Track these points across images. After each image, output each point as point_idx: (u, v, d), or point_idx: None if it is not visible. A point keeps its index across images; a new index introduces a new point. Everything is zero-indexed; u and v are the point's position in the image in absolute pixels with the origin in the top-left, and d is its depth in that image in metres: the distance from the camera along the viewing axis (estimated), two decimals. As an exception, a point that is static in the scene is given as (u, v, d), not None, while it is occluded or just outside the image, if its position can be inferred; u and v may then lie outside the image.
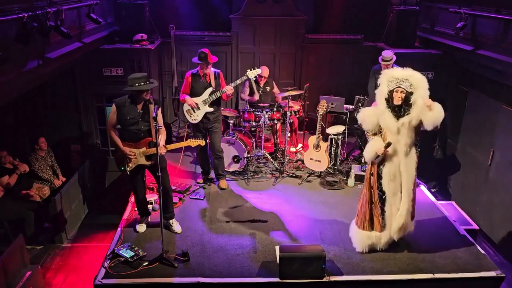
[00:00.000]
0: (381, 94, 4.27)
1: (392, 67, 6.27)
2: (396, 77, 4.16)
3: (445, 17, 7.20)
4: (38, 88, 6.11)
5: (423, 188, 6.19)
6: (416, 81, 4.12)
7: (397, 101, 4.13)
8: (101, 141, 7.70)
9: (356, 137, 6.85)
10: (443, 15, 7.35)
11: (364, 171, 6.15)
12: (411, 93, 4.12)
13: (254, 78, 6.21)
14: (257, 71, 5.82)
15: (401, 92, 4.11)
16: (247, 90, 6.84)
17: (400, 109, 4.17)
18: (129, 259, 4.31)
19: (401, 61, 7.05)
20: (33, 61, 4.69)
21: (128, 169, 4.63)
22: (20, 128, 6.93)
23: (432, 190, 7.54)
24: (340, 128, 6.52)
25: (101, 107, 7.49)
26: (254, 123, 6.46)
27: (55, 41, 5.12)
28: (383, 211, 4.43)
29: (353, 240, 4.66)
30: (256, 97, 6.75)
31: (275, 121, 6.50)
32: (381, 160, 4.31)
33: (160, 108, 4.66)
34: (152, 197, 5.39)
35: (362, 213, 4.54)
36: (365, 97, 6.73)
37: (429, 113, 4.09)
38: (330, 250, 4.57)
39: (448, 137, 7.88)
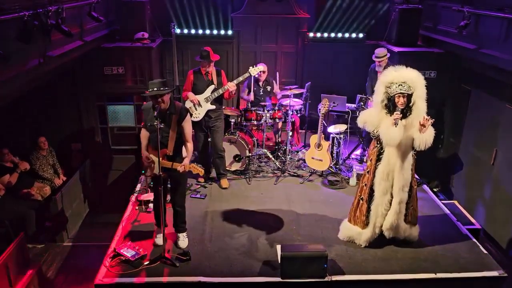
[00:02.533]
0: (379, 100, 4.26)
1: (388, 63, 6.27)
2: (394, 82, 4.14)
3: (448, 16, 7.16)
4: (39, 87, 6.09)
5: (425, 187, 6.17)
6: (413, 82, 4.12)
7: (401, 105, 4.13)
8: (102, 140, 7.69)
9: (358, 136, 6.83)
10: (446, 13, 7.31)
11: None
12: (411, 94, 4.13)
13: (256, 76, 6.18)
14: (259, 68, 5.82)
15: (403, 97, 4.11)
16: (247, 89, 6.81)
17: (402, 111, 4.16)
18: (130, 258, 4.29)
19: (403, 60, 7.05)
20: (34, 59, 4.68)
21: (147, 174, 4.53)
22: (21, 126, 6.92)
23: (435, 190, 7.52)
24: (342, 127, 6.51)
25: (102, 106, 7.48)
26: (255, 122, 6.44)
27: (56, 39, 5.10)
28: (369, 210, 4.52)
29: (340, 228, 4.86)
30: (251, 97, 6.72)
31: (277, 120, 6.48)
32: (378, 158, 4.37)
33: (187, 116, 4.33)
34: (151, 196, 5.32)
35: (352, 206, 4.72)
36: (367, 96, 6.71)
37: (421, 134, 4.09)
38: (331, 249, 4.55)
39: (451, 136, 7.85)
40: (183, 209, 4.64)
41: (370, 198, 4.50)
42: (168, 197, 4.79)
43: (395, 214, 4.39)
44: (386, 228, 4.48)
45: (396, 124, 4.07)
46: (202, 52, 5.49)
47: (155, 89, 4.10)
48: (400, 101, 4.12)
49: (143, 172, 4.56)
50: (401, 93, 4.09)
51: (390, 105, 4.20)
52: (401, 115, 4.12)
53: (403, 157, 4.26)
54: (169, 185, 4.59)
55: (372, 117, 4.32)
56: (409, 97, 4.12)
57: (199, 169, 4.38)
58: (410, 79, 4.11)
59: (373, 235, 4.58)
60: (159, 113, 4.12)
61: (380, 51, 6.27)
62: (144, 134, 4.46)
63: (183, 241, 4.66)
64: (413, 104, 4.15)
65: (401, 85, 4.09)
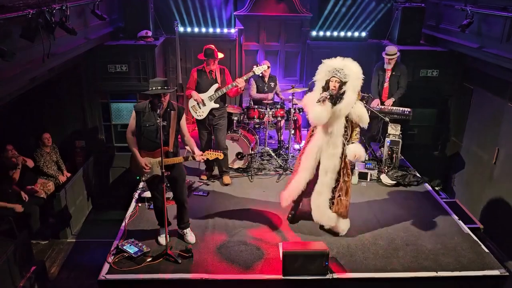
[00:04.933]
0: (318, 82, 4.46)
1: (397, 62, 6.30)
2: (333, 66, 4.33)
3: (451, 14, 7.15)
4: (43, 84, 6.13)
5: (426, 186, 6.17)
6: (350, 71, 4.28)
7: (332, 90, 4.33)
8: (105, 137, 7.73)
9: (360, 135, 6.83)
10: (449, 12, 7.31)
11: (368, 168, 6.17)
12: (345, 83, 4.30)
13: (260, 74, 6.19)
14: (263, 67, 5.83)
15: (336, 81, 4.30)
16: (254, 88, 6.81)
17: (336, 98, 4.34)
18: (133, 255, 4.33)
19: (406, 59, 7.07)
20: (38, 57, 4.71)
21: (143, 179, 4.51)
22: (25, 124, 6.96)
23: (436, 188, 7.53)
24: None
25: (106, 103, 7.52)
26: (258, 120, 6.46)
27: (60, 37, 5.13)
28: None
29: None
30: (259, 95, 6.73)
31: (279, 118, 6.50)
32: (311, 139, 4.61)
33: (184, 115, 4.39)
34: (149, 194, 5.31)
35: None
36: (369, 94, 6.73)
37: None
38: (333, 247, 4.57)
39: (453, 135, 7.85)
40: (188, 205, 4.69)
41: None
42: (168, 195, 4.81)
43: (315, 194, 4.62)
44: (313, 209, 4.67)
45: (319, 101, 4.24)
46: (206, 50, 5.49)
47: (159, 87, 4.10)
48: (332, 85, 4.32)
49: (137, 178, 4.47)
50: (334, 77, 4.29)
51: (325, 88, 4.39)
52: (328, 96, 4.30)
53: (332, 144, 4.43)
54: (167, 184, 4.57)
55: (312, 100, 4.44)
56: (342, 85, 4.30)
57: (218, 154, 4.43)
58: (348, 69, 4.29)
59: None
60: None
61: (391, 49, 6.30)
62: (132, 139, 4.36)
63: (191, 235, 4.71)
64: (343, 93, 4.31)
65: (339, 71, 4.29)
